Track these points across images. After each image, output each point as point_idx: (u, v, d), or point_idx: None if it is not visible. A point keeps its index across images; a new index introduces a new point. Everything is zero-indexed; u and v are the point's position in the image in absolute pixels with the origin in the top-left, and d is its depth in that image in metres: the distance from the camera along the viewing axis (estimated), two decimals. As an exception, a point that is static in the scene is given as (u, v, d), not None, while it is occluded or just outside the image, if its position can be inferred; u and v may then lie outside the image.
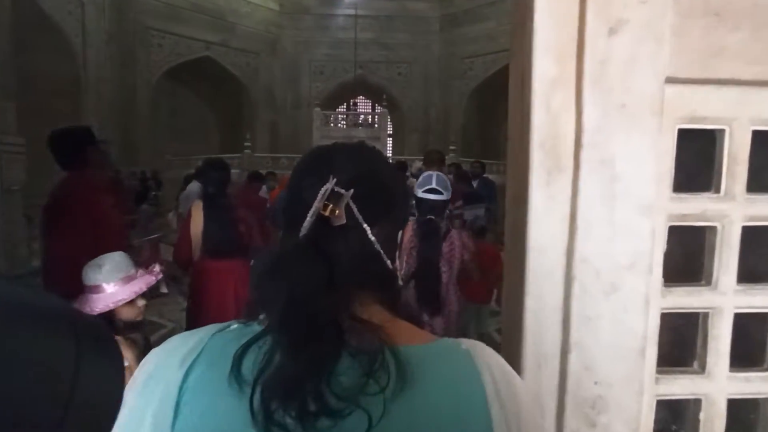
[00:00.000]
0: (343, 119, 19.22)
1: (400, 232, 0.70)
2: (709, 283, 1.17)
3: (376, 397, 0.53)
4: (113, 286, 1.72)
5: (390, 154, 18.24)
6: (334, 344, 0.55)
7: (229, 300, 3.11)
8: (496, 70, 17.36)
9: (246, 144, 15.75)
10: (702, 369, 1.19)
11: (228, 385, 0.55)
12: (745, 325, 1.18)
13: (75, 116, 11.85)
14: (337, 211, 0.60)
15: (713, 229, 1.15)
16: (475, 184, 6.59)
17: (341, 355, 0.55)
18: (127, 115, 15.47)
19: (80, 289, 1.80)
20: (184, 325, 3.70)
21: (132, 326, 1.88)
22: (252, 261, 3.25)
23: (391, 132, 20.37)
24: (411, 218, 2.59)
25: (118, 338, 1.67)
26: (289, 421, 0.52)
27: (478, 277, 2.85)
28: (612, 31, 1.01)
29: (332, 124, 18.44)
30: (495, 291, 4.05)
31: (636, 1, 1.01)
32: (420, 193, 2.63)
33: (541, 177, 1.06)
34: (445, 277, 2.62)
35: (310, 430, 0.52)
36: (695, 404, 1.20)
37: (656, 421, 1.18)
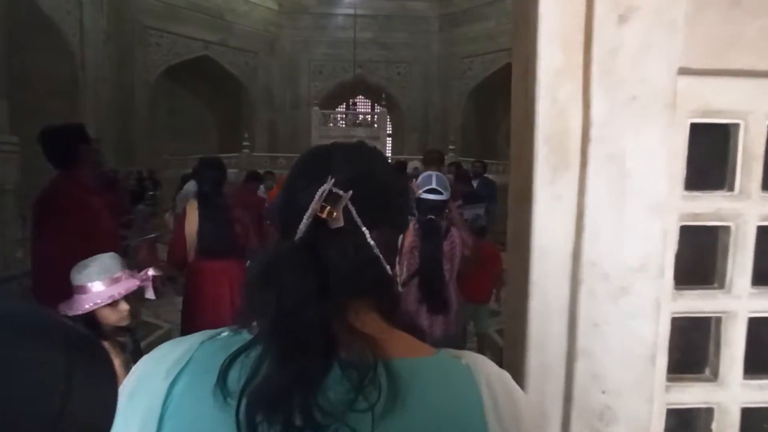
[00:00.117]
0: (342, 119, 19.14)
1: (400, 237, 0.67)
2: (722, 285, 1.12)
3: (364, 415, 0.51)
4: (95, 287, 1.67)
5: (389, 154, 18.20)
6: (324, 356, 0.53)
7: (224, 302, 3.07)
8: (495, 70, 17.34)
9: (244, 144, 15.69)
10: (714, 376, 1.14)
11: (213, 397, 0.53)
12: (759, 329, 1.12)
13: (73, 116, 11.76)
14: (334, 213, 0.57)
15: (727, 229, 1.10)
16: (475, 183, 6.58)
17: (331, 368, 0.53)
18: (125, 114, 15.42)
19: (70, 289, 1.74)
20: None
21: (121, 329, 1.83)
22: (248, 262, 3.20)
23: (390, 132, 20.32)
24: (411, 218, 2.57)
25: (105, 343, 1.61)
26: None
27: (476, 268, 2.85)
28: (622, 19, 0.95)
29: (331, 124, 18.36)
30: (494, 291, 4.04)
31: (647, -13, 0.95)
32: (420, 194, 2.64)
33: (546, 174, 1.00)
34: (447, 276, 2.63)
35: None
36: (707, 413, 1.15)
37: (666, 432, 1.12)
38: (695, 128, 1.05)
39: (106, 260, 1.80)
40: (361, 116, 19.45)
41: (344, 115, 19.49)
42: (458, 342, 2.92)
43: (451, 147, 14.85)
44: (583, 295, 1.02)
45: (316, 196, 0.58)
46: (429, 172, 2.80)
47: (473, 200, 5.23)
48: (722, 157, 1.09)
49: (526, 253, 1.04)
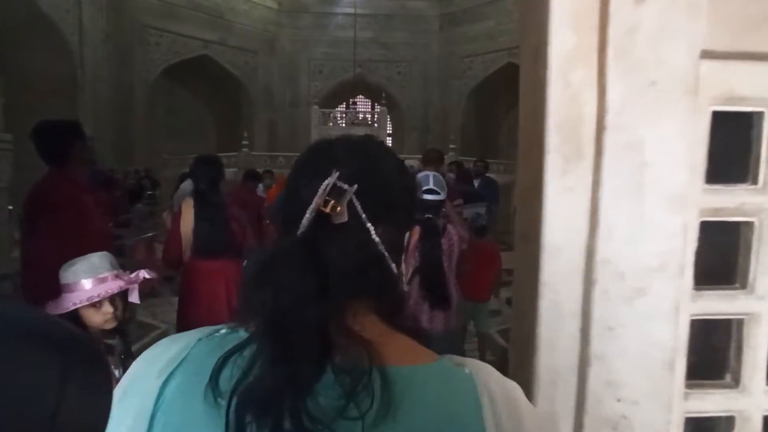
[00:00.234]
0: (342, 118, 19.06)
1: (407, 234, 0.64)
2: (744, 285, 1.05)
3: (354, 423, 0.49)
4: (81, 286, 1.60)
5: (389, 154, 18.10)
6: (317, 359, 0.50)
7: (220, 302, 3.03)
8: (495, 70, 17.31)
9: (243, 143, 15.63)
10: (735, 383, 1.07)
11: (204, 397, 0.52)
12: (783, 333, 1.05)
13: (72, 115, 11.72)
14: (338, 208, 0.55)
15: (750, 224, 1.03)
16: (477, 183, 6.56)
17: (324, 372, 0.50)
18: (124, 113, 15.37)
19: (58, 287, 1.68)
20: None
21: (110, 332, 1.76)
22: (245, 261, 3.14)
23: (390, 131, 20.27)
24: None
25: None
26: None
27: (473, 262, 2.91)
28: (640, -3, 0.88)
29: (331, 123, 18.27)
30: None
31: (667, -37, 0.88)
32: (418, 194, 2.63)
33: (557, 165, 0.93)
34: (446, 272, 2.70)
35: None
36: (727, 422, 1.08)
37: (684, 442, 1.05)
38: (716, 117, 0.98)
39: (95, 260, 1.74)
40: (360, 115, 19.38)
41: (344, 115, 19.41)
42: (458, 337, 3.00)
43: (451, 146, 14.79)
44: (596, 296, 0.96)
45: (320, 190, 0.55)
46: (426, 172, 2.84)
47: (474, 199, 5.24)
48: (745, 148, 1.02)
49: (535, 250, 0.97)
